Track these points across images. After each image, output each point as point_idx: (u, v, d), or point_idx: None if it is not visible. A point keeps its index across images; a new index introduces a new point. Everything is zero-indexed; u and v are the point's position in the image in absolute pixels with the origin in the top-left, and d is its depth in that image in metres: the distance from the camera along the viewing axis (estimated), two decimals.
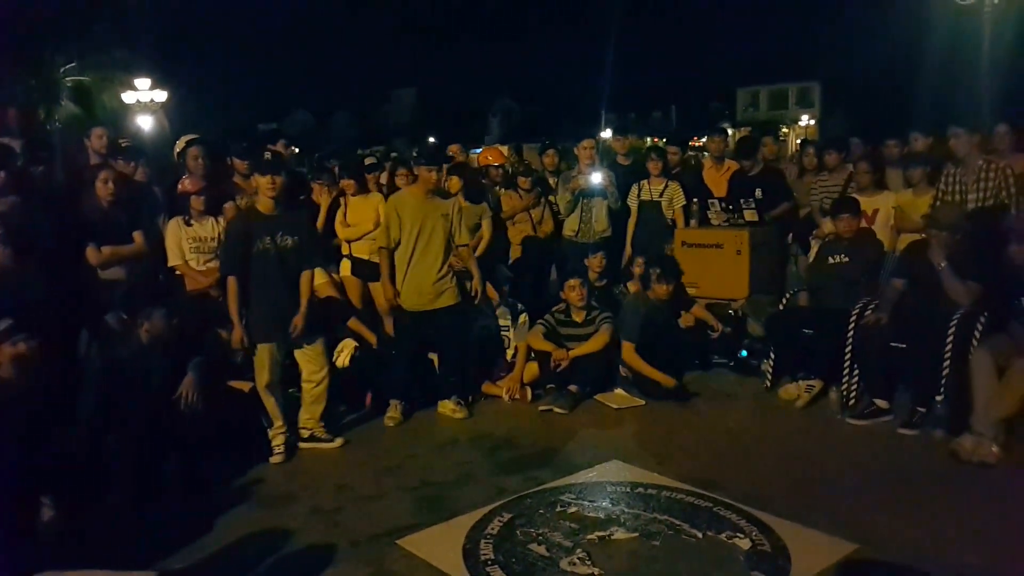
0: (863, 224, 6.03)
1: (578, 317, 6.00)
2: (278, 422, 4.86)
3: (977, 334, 4.80)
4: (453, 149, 7.86)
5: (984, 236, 5.30)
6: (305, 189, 6.78)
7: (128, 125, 18.53)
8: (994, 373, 4.55)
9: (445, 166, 6.23)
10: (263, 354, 4.77)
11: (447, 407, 5.55)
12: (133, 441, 4.18)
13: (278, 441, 4.83)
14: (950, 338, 4.86)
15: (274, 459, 4.78)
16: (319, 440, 5.00)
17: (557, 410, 5.55)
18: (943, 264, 5.05)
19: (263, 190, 4.75)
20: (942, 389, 4.87)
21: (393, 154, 10.62)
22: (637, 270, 6.65)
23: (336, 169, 7.04)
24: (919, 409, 4.97)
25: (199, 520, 3.94)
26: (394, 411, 5.41)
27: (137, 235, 5.38)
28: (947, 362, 4.85)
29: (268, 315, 4.76)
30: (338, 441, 5.03)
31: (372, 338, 5.94)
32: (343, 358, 5.58)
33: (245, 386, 5.03)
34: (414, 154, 6.36)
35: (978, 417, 4.50)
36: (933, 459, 4.53)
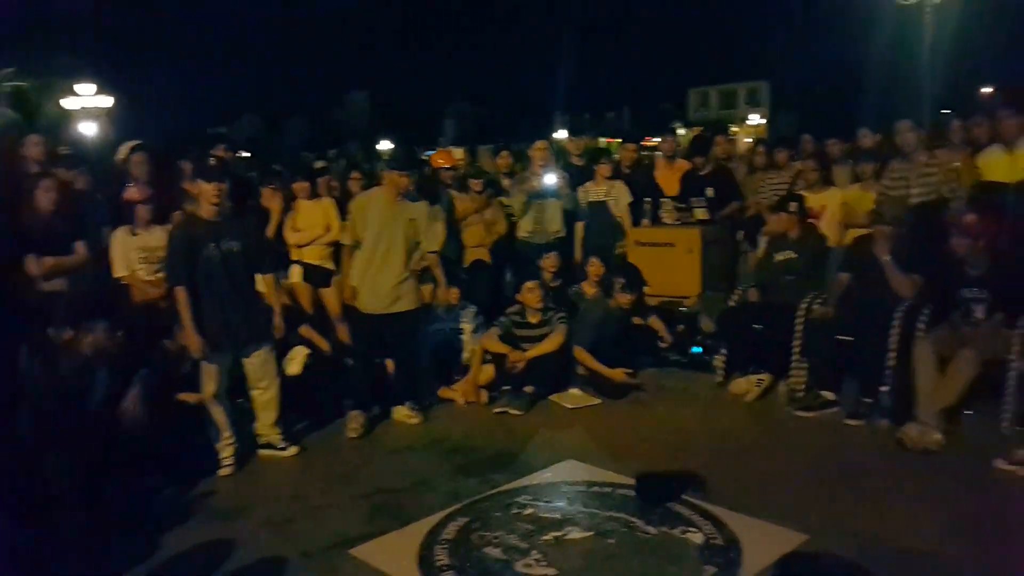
0: (811, 220, 6.18)
1: (533, 319, 6.00)
2: (226, 433, 4.77)
3: (921, 326, 4.92)
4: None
5: (926, 230, 5.43)
6: (254, 194, 6.68)
7: (70, 132, 18.10)
8: (937, 363, 4.68)
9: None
10: (210, 364, 4.69)
11: (401, 413, 5.51)
12: (75, 459, 4.06)
13: (226, 453, 4.74)
14: (895, 330, 4.97)
15: (222, 472, 4.69)
16: (275, 448, 4.94)
17: (512, 412, 5.55)
18: (887, 257, 5.16)
19: (207, 196, 4.66)
20: (887, 380, 4.98)
21: (325, 161, 10.44)
22: (591, 269, 6.68)
23: (285, 173, 6.98)
24: (865, 400, 5.08)
25: (147, 537, 3.84)
26: (355, 423, 5.29)
27: (79, 245, 5.25)
28: (892, 353, 4.96)
29: (215, 323, 4.67)
30: (293, 449, 4.97)
31: (325, 345, 5.89)
32: (295, 365, 5.51)
33: (194, 398, 4.93)
34: (385, 159, 6.24)
35: (922, 406, 4.61)
36: (879, 448, 4.63)
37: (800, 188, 6.62)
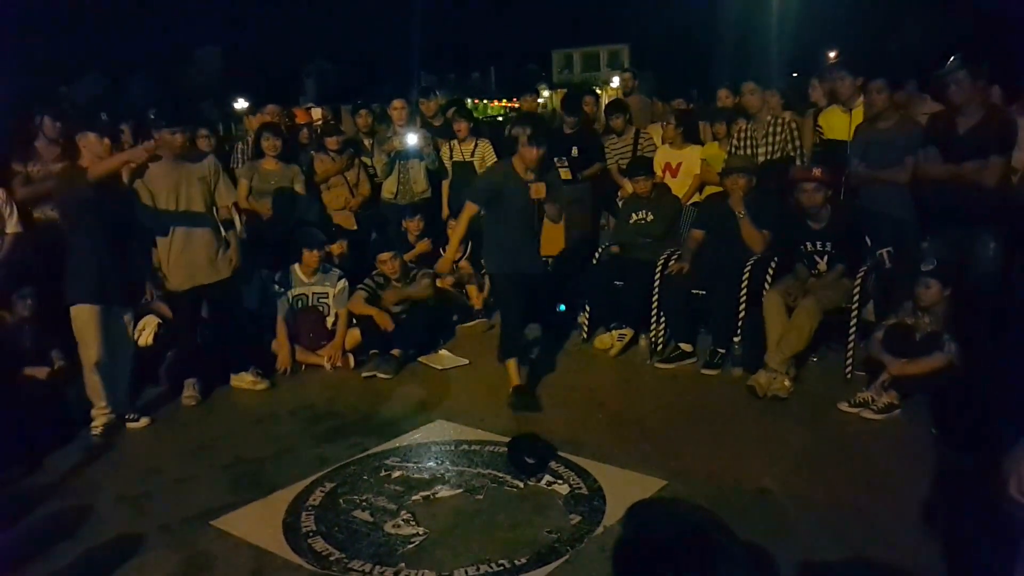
0: (669, 177, 6.40)
1: (397, 281, 5.94)
2: (101, 403, 4.59)
3: (768, 278, 5.19)
4: (270, 110, 7.64)
5: (773, 187, 5.70)
6: None
7: None
8: (784, 313, 4.94)
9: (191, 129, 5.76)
10: (89, 320, 4.49)
11: (245, 380, 5.35)
12: None
13: (99, 422, 4.60)
14: (744, 283, 5.22)
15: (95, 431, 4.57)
16: (127, 420, 4.74)
17: (381, 375, 5.48)
18: (742, 211, 5.38)
19: (94, 150, 4.50)
20: (739, 330, 5.24)
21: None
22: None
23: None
24: (719, 350, 5.33)
25: None
26: (189, 390, 5.12)
27: None
28: (742, 305, 5.22)
29: (92, 276, 4.49)
30: (144, 421, 4.76)
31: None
32: (146, 336, 5.23)
33: (41, 372, 4.73)
34: (151, 116, 5.52)
35: (771, 354, 4.87)
36: (733, 396, 4.87)
37: (643, 150, 6.84)
